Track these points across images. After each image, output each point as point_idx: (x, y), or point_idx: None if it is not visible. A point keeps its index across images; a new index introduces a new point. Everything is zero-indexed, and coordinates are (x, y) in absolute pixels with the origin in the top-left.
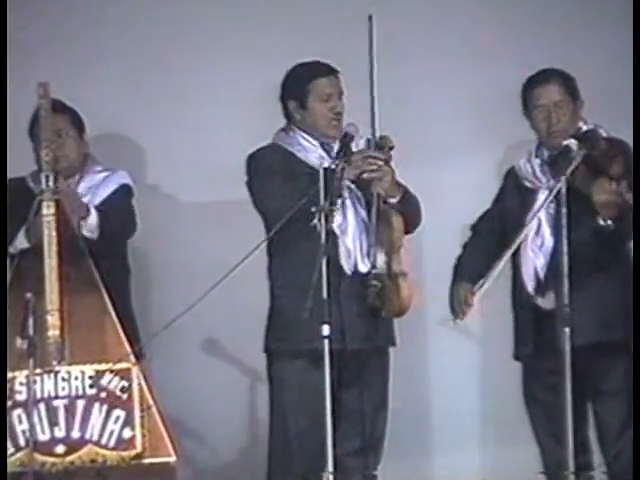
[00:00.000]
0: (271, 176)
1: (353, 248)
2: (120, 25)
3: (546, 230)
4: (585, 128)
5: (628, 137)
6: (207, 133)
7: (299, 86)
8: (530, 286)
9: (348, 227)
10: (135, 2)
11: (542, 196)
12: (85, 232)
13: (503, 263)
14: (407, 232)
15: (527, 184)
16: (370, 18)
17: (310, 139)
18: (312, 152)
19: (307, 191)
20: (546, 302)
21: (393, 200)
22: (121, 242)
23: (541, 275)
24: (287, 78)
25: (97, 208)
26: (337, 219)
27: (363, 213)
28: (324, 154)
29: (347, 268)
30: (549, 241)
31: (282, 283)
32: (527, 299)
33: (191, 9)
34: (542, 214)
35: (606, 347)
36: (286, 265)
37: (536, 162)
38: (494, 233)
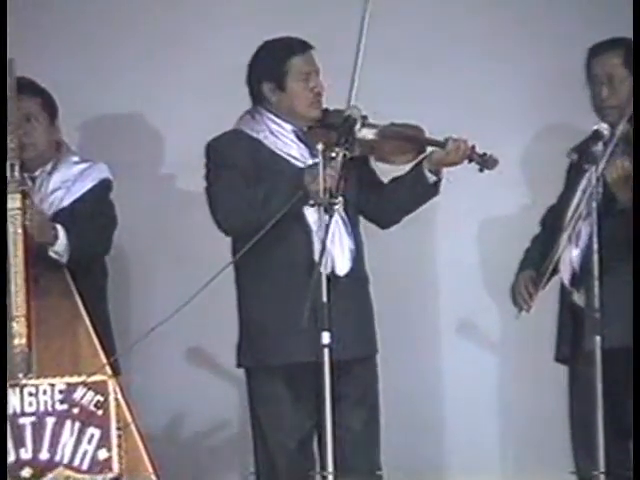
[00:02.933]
0: (231, 177)
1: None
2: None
3: (581, 218)
4: None
5: None
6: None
7: (275, 65)
8: (566, 278)
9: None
10: None
11: (586, 180)
12: (52, 253)
13: (559, 252)
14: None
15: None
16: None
17: (283, 123)
18: (282, 138)
19: (276, 190)
20: (578, 298)
21: None
22: (96, 259)
23: (576, 266)
24: (258, 57)
25: (68, 213)
26: (339, 213)
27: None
28: (295, 140)
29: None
30: (584, 233)
31: (253, 293)
32: (564, 295)
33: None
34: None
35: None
36: (257, 274)
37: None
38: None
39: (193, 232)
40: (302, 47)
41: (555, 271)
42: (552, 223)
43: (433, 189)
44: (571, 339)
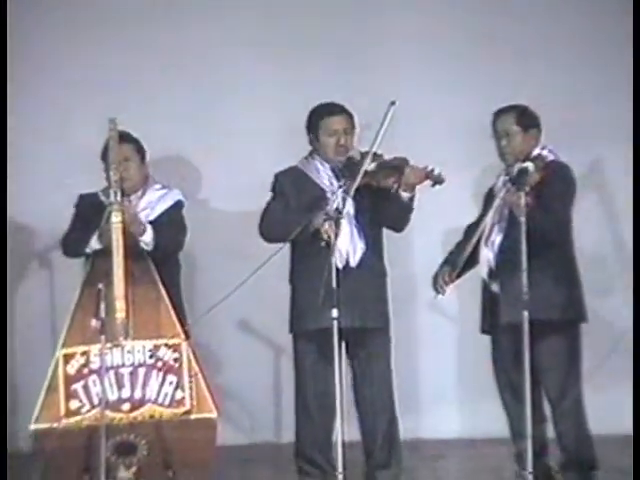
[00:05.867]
0: (276, 202)
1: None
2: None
3: (495, 230)
4: (536, 152)
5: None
6: (252, 159)
7: (314, 123)
8: (484, 273)
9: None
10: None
11: (497, 203)
12: (143, 245)
13: (466, 254)
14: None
15: (498, 198)
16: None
17: (324, 163)
18: (323, 173)
19: (313, 208)
20: (495, 287)
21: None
22: (172, 253)
23: (492, 265)
24: (309, 115)
25: (154, 222)
26: (343, 224)
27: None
28: (332, 175)
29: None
30: (497, 239)
31: (299, 279)
32: (484, 285)
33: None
34: (494, 218)
35: (546, 325)
36: (302, 267)
37: (503, 179)
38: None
39: (233, 233)
40: (335, 110)
41: (466, 269)
42: (468, 235)
43: (409, 203)
44: (490, 316)
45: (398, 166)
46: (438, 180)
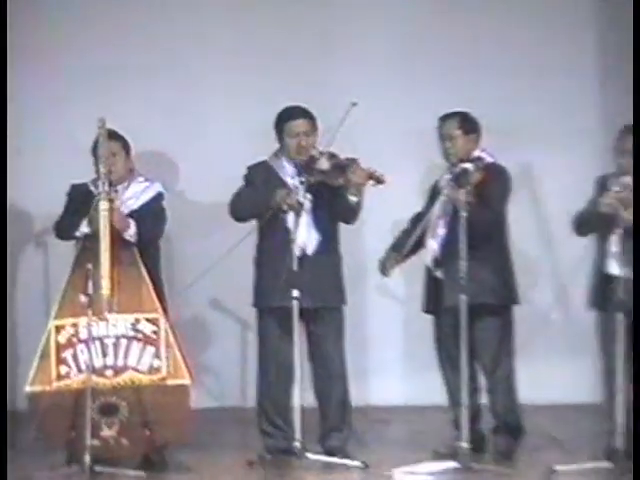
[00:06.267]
0: (250, 187)
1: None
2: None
3: (440, 224)
4: (476, 154)
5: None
6: (225, 155)
7: (279, 125)
8: (429, 261)
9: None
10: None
11: (441, 199)
12: (126, 237)
13: (411, 241)
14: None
15: (442, 195)
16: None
17: (288, 161)
18: (287, 170)
19: (274, 196)
20: (440, 274)
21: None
22: (153, 241)
23: (436, 254)
24: (276, 117)
25: (137, 211)
26: (303, 214)
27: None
28: (294, 172)
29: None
30: (442, 232)
31: (262, 261)
32: (429, 271)
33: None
34: (439, 213)
35: (483, 307)
36: (265, 251)
37: (446, 177)
38: (420, 226)
39: (207, 221)
40: (298, 114)
41: (410, 254)
42: (414, 223)
43: (355, 201)
44: (434, 299)
45: (347, 166)
46: (380, 181)
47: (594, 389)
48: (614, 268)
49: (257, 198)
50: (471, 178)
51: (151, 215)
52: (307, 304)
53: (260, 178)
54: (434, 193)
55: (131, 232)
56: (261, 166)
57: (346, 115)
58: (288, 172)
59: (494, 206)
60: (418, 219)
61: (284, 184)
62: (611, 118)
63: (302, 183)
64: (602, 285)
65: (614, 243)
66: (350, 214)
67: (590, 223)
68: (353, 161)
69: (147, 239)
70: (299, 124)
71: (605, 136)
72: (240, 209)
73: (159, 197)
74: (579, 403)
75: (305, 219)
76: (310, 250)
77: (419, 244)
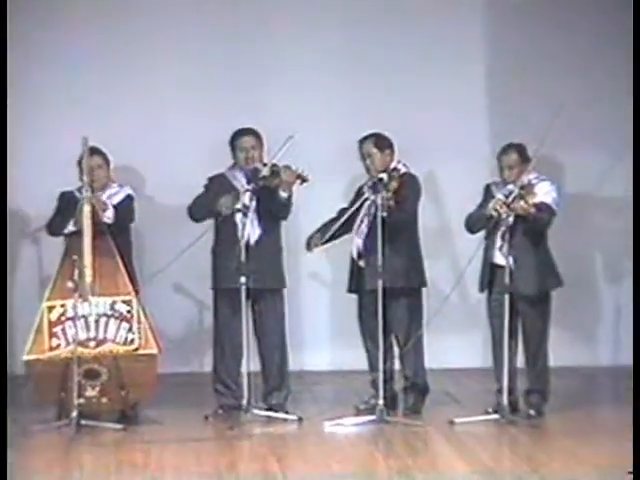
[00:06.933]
0: (202, 194)
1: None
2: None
3: (364, 223)
4: (393, 166)
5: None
6: (188, 167)
7: (232, 141)
8: (354, 254)
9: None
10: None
11: (366, 204)
12: (105, 219)
13: (334, 228)
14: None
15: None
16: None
17: (239, 170)
18: (238, 178)
19: (218, 202)
20: (362, 263)
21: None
22: (126, 226)
23: (360, 248)
24: (230, 136)
25: (113, 206)
26: (249, 214)
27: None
28: (244, 180)
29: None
30: (365, 230)
31: (217, 251)
32: (353, 261)
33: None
34: (363, 214)
35: (397, 290)
36: (219, 243)
37: (367, 185)
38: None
39: (172, 221)
40: (246, 132)
41: (332, 239)
42: (340, 215)
43: (287, 199)
44: (357, 283)
45: (281, 170)
46: (305, 179)
47: (484, 356)
48: (499, 259)
49: (208, 203)
50: (389, 185)
51: (124, 205)
52: (253, 286)
53: (216, 186)
54: (357, 195)
55: (109, 214)
56: (219, 177)
57: (283, 146)
58: (239, 180)
59: (408, 207)
60: (342, 212)
61: (235, 190)
62: (499, 135)
63: (248, 190)
64: (490, 272)
65: (499, 239)
66: (282, 209)
67: (478, 223)
68: (286, 166)
69: (122, 220)
70: (247, 140)
71: (492, 151)
72: (195, 212)
73: (130, 197)
74: (473, 367)
75: (250, 217)
76: (252, 241)
77: (341, 232)
